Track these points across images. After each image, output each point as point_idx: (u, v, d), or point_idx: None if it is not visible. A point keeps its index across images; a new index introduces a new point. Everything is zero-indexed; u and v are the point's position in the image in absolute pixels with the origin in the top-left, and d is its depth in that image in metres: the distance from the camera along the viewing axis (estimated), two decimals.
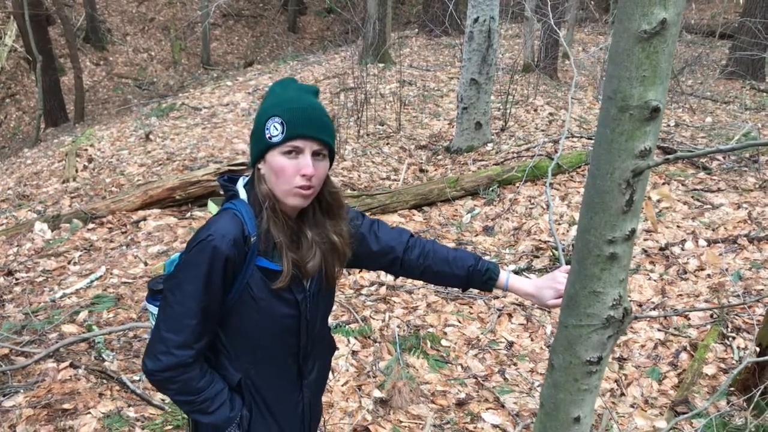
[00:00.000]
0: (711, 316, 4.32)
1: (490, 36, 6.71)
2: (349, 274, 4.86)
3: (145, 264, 4.63)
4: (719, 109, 9.56)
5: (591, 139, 6.86)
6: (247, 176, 1.63)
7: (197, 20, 19.43)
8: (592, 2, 13.42)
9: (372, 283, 4.75)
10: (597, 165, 1.26)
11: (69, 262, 4.83)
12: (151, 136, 8.51)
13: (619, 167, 1.22)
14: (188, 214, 5.41)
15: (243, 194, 1.56)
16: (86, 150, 8.23)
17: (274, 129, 1.49)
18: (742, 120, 8.96)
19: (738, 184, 5.79)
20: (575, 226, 5.45)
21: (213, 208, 4.56)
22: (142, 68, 18.14)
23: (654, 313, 4.26)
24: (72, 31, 15.06)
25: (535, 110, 8.48)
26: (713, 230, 5.17)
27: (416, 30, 15.51)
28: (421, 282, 5.06)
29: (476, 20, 6.65)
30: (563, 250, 5.07)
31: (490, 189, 5.95)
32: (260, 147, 1.52)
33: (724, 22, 12.07)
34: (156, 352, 1.51)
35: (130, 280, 4.38)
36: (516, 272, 4.91)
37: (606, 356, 1.45)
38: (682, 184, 5.82)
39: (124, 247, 4.96)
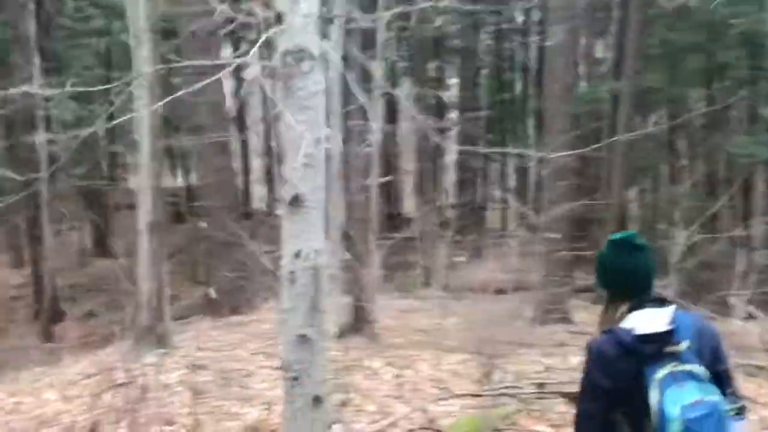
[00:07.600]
0: None
1: (317, 274, 4.93)
2: None
3: None
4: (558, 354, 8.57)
5: (476, 396, 5.06)
6: None
7: None
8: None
9: None
10: None
11: None
12: None
13: None
14: None
15: None
16: None
17: None
18: None
19: None
20: None
21: None
22: None
23: None
24: None
25: (376, 374, 6.64)
26: None
27: (200, 314, 13.56)
28: None
29: (297, 255, 4.86)
30: None
31: None
32: None
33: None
34: None
35: None
36: None
37: None
38: None
39: None
